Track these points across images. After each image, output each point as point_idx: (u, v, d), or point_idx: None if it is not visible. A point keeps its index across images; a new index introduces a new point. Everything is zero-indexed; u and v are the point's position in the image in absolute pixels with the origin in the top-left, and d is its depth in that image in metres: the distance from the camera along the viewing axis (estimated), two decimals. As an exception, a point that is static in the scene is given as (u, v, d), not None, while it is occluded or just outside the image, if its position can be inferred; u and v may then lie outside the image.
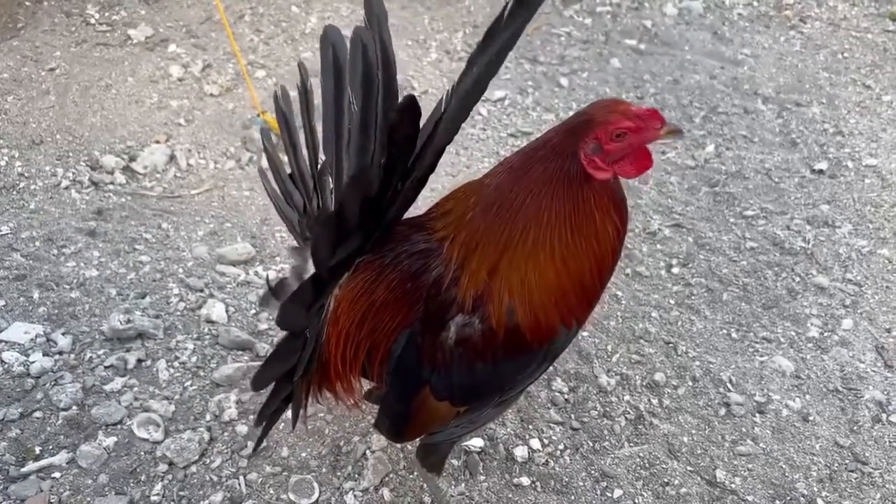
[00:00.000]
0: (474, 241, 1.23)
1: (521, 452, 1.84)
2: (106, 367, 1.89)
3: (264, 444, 1.77)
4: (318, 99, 1.38)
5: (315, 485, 1.71)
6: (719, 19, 4.23)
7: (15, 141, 2.67)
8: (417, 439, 1.52)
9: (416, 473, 1.76)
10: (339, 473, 1.74)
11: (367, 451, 1.79)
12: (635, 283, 2.46)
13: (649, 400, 2.05)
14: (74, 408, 1.79)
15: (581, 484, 1.80)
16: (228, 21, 3.26)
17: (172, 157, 2.73)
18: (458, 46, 3.66)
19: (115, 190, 2.57)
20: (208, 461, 1.72)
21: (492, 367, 1.26)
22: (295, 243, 1.45)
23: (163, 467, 1.69)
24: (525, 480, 1.79)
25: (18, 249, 2.23)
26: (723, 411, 2.04)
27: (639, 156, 1.24)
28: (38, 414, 1.77)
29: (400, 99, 1.07)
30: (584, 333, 2.22)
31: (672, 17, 4.19)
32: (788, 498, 1.84)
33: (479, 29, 3.80)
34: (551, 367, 2.03)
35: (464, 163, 2.90)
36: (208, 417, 1.82)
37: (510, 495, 1.76)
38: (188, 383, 1.89)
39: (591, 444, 1.90)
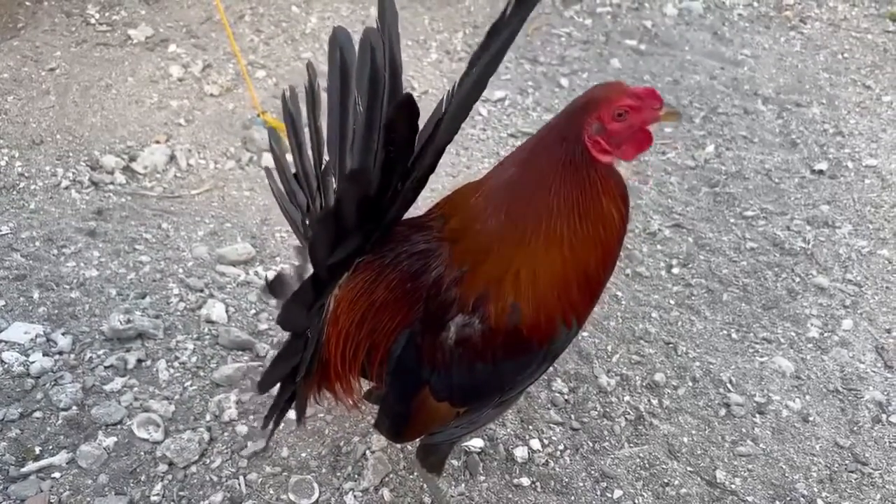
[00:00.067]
0: (488, 242, 1.24)
1: (521, 453, 1.84)
2: (106, 368, 1.89)
3: (264, 443, 1.77)
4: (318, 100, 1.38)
5: (315, 485, 1.71)
6: (719, 20, 4.23)
7: (15, 141, 2.67)
8: (417, 440, 1.52)
9: (416, 474, 1.76)
10: (339, 474, 1.74)
11: (367, 452, 1.79)
12: (635, 283, 2.46)
13: (649, 400, 2.05)
14: (74, 408, 1.79)
15: (581, 484, 1.80)
16: (229, 21, 3.27)
17: (172, 158, 2.73)
18: (459, 47, 3.66)
19: (116, 190, 2.57)
20: (208, 461, 1.72)
21: (492, 368, 1.27)
22: (298, 243, 1.46)
23: (163, 467, 1.69)
24: (525, 481, 1.79)
25: (18, 249, 2.23)
26: (723, 412, 2.04)
27: (639, 137, 1.25)
28: (38, 414, 1.77)
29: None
30: (585, 334, 2.22)
31: (672, 18, 4.19)
32: (788, 498, 1.84)
33: (479, 29, 3.80)
34: (551, 368, 2.03)
35: (464, 163, 2.90)
36: (208, 417, 1.82)
37: (510, 496, 1.76)
38: (188, 383, 1.89)
39: (591, 444, 1.90)
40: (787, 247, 2.68)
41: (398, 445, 1.80)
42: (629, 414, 2.00)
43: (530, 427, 1.92)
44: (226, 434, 1.78)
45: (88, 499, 1.61)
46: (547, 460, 1.85)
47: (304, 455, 1.77)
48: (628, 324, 2.29)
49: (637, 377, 2.11)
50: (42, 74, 2.98)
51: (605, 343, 2.21)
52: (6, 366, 1.86)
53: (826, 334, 2.34)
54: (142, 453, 1.71)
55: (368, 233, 1.25)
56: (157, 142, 2.78)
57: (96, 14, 3.37)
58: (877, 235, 2.78)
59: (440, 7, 3.96)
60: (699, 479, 1.86)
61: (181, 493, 1.65)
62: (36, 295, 2.08)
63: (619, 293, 2.40)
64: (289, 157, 1.49)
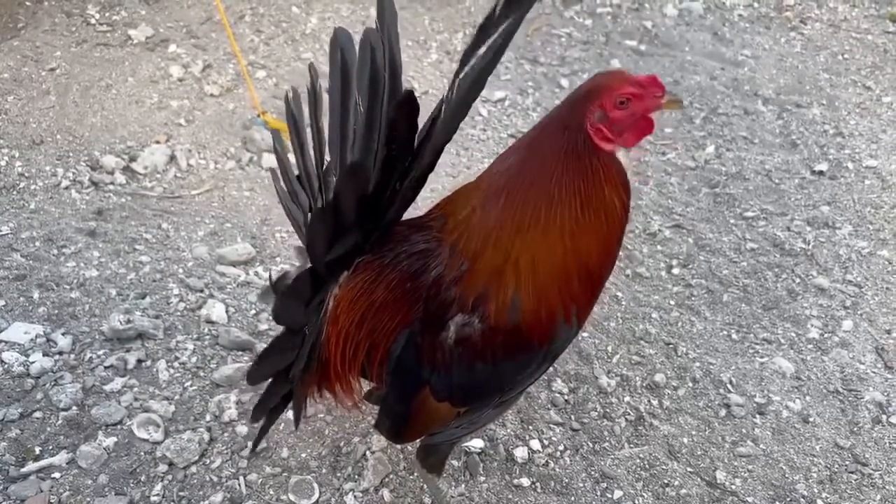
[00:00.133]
0: (487, 231, 1.23)
1: (521, 453, 1.84)
2: (106, 368, 1.89)
3: (265, 444, 1.77)
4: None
5: (315, 485, 1.71)
6: (720, 20, 4.23)
7: (15, 141, 2.67)
8: (418, 440, 1.52)
9: (416, 474, 1.76)
10: (339, 474, 1.74)
11: (367, 452, 1.79)
12: (635, 284, 2.46)
13: (649, 401, 2.05)
14: (74, 408, 1.79)
15: (581, 485, 1.80)
16: (229, 21, 3.27)
17: (173, 158, 2.73)
18: (459, 47, 3.66)
19: (116, 190, 2.57)
20: (208, 461, 1.72)
21: (492, 367, 1.26)
22: (299, 243, 1.46)
23: (163, 468, 1.69)
24: (525, 481, 1.79)
25: (18, 249, 2.23)
26: (723, 412, 2.04)
27: (641, 125, 1.25)
28: (37, 414, 1.77)
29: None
30: (585, 334, 2.22)
31: (672, 18, 4.19)
32: (788, 499, 1.83)
33: (479, 30, 3.79)
34: (551, 368, 2.03)
35: (464, 163, 2.91)
36: (208, 418, 1.81)
37: (510, 496, 1.76)
38: (188, 384, 1.89)
39: (591, 444, 1.90)
40: (787, 247, 2.68)
41: (398, 446, 1.80)
42: (629, 414, 2.00)
43: (530, 427, 1.92)
44: (226, 434, 1.78)
45: (88, 499, 1.61)
46: (547, 461, 1.85)
47: (304, 455, 1.77)
48: (628, 324, 2.29)
49: (637, 378, 2.11)
50: (42, 74, 2.98)
51: (605, 343, 2.21)
52: (6, 366, 1.86)
53: (826, 335, 2.34)
54: (142, 453, 1.71)
55: (368, 232, 1.25)
56: (158, 142, 2.78)
57: (96, 14, 3.37)
58: (877, 236, 2.78)
59: (440, 7, 3.96)
60: (699, 479, 1.85)
61: (181, 494, 1.65)
62: (36, 295, 2.08)
63: (620, 294, 2.40)
64: (291, 158, 1.49)
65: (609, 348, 2.19)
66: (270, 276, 1.22)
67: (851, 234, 2.77)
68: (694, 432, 1.98)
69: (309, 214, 1.42)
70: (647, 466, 1.87)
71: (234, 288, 2.22)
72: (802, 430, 2.02)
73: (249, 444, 1.76)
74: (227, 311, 2.11)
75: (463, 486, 1.76)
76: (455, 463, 1.81)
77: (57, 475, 1.65)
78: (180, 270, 2.25)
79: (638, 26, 4.08)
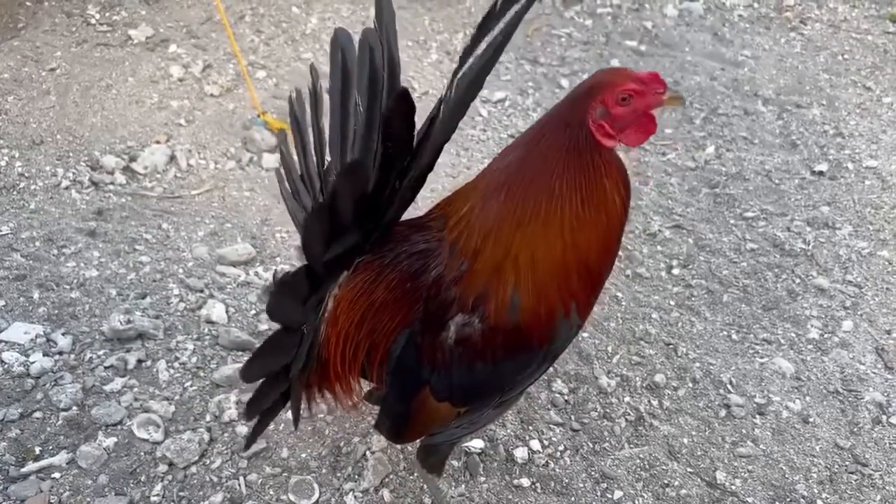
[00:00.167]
0: (487, 227, 1.23)
1: (521, 454, 1.84)
2: (106, 368, 1.89)
3: (264, 444, 1.77)
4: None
5: (315, 486, 1.71)
6: (720, 21, 4.23)
7: (15, 141, 2.67)
8: (418, 440, 1.52)
9: (416, 474, 1.76)
10: (339, 474, 1.74)
11: (368, 452, 1.79)
12: (635, 284, 2.46)
13: (649, 401, 2.05)
14: (74, 408, 1.79)
15: (581, 485, 1.80)
16: (229, 21, 3.27)
17: (173, 158, 2.73)
18: (459, 47, 3.66)
19: (116, 190, 2.57)
20: (208, 462, 1.72)
21: (492, 367, 1.26)
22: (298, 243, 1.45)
23: (163, 468, 1.69)
24: (525, 482, 1.79)
25: (18, 249, 2.23)
26: (723, 413, 2.04)
27: (643, 122, 1.24)
28: (37, 414, 1.77)
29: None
30: (585, 335, 2.22)
31: (672, 19, 4.19)
32: (788, 499, 1.83)
33: (479, 30, 3.80)
34: (551, 369, 2.03)
35: (464, 164, 2.91)
36: (208, 418, 1.81)
37: (510, 496, 1.76)
38: (188, 384, 1.89)
39: (591, 445, 1.90)
40: (787, 248, 2.68)
41: (398, 446, 1.80)
42: (629, 415, 2.00)
43: (530, 428, 1.92)
44: (226, 435, 1.78)
45: (88, 499, 1.61)
46: (547, 461, 1.85)
47: (304, 456, 1.77)
48: (628, 325, 2.29)
49: (637, 378, 2.11)
50: (42, 74, 2.98)
51: (605, 344, 2.21)
52: (6, 366, 1.86)
53: (826, 335, 2.34)
54: (142, 454, 1.71)
55: (367, 232, 1.25)
56: (158, 142, 2.78)
57: (97, 14, 3.37)
58: (877, 237, 2.78)
59: (440, 8, 3.96)
60: (699, 480, 1.85)
61: (181, 494, 1.65)
62: (36, 295, 2.08)
63: (620, 294, 2.40)
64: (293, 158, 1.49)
65: (609, 348, 2.19)
66: (274, 273, 1.21)
67: (851, 235, 2.77)
68: (694, 433, 1.98)
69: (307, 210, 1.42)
70: (647, 467, 1.87)
71: (234, 288, 2.22)
72: (802, 431, 2.02)
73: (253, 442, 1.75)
74: (227, 312, 2.11)
75: (463, 486, 1.76)
76: (455, 463, 1.81)
77: (57, 475, 1.65)
78: (180, 270, 2.25)
79: (638, 26, 4.08)
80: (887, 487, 1.89)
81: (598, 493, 1.79)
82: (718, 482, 1.85)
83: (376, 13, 1.24)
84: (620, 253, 2.54)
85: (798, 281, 2.54)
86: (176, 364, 1.94)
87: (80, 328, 1.99)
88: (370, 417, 1.84)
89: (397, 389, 1.35)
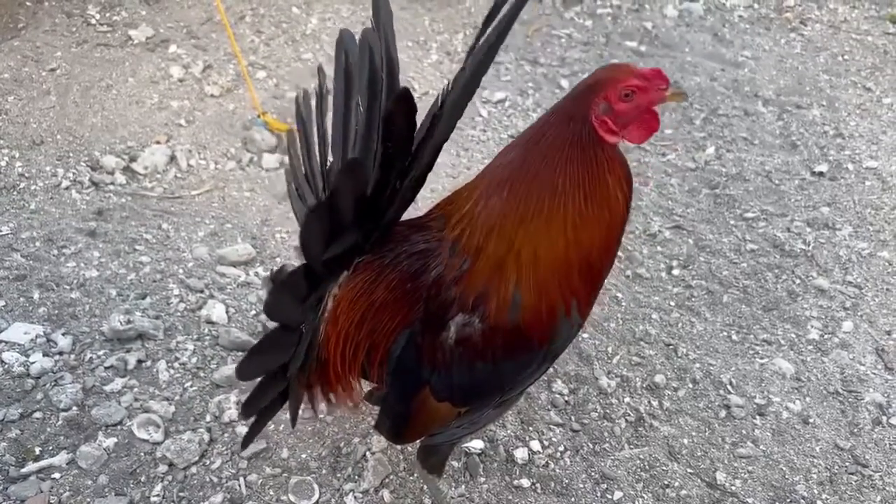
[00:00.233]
0: (490, 223, 1.22)
1: (521, 454, 1.84)
2: (106, 368, 1.89)
3: (264, 444, 1.77)
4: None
5: (315, 486, 1.71)
6: (720, 21, 4.23)
7: (15, 141, 2.67)
8: (418, 441, 1.52)
9: (416, 475, 1.76)
10: (339, 475, 1.74)
11: (368, 453, 1.79)
12: (636, 284, 2.46)
13: (649, 402, 2.05)
14: (74, 408, 1.79)
15: (581, 486, 1.80)
16: (229, 22, 3.27)
17: (173, 158, 2.73)
18: (459, 48, 3.66)
19: (116, 190, 2.57)
20: (208, 462, 1.72)
21: (492, 367, 1.26)
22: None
23: (163, 468, 1.69)
24: (525, 482, 1.79)
25: (19, 250, 2.23)
26: (723, 413, 2.04)
27: (646, 119, 1.24)
28: (37, 414, 1.77)
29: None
30: (585, 335, 2.22)
31: (672, 19, 4.19)
32: (788, 500, 1.83)
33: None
34: (551, 369, 2.04)
35: (464, 164, 2.90)
36: (208, 418, 1.81)
37: (510, 497, 1.76)
38: (188, 384, 1.89)
39: (591, 445, 1.90)
40: (787, 248, 2.68)
41: (398, 447, 1.80)
42: (629, 415, 2.00)
43: (530, 428, 1.92)
44: (226, 435, 1.78)
45: (88, 499, 1.61)
46: (547, 462, 1.85)
47: (304, 456, 1.77)
48: (628, 325, 2.29)
49: (637, 379, 2.11)
50: (43, 75, 2.98)
51: (605, 344, 2.21)
52: (6, 366, 1.86)
53: (826, 336, 2.34)
54: (142, 454, 1.71)
55: (367, 231, 1.25)
56: (158, 142, 2.78)
57: (97, 14, 3.37)
58: (877, 237, 2.78)
59: (441, 8, 3.96)
60: (699, 480, 1.85)
61: (181, 494, 1.65)
62: (36, 295, 2.07)
63: (620, 294, 2.40)
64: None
65: (609, 349, 2.19)
66: (272, 271, 1.21)
67: (851, 236, 2.77)
68: (694, 433, 1.98)
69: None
70: (647, 467, 1.87)
71: (234, 288, 2.22)
72: (802, 432, 2.02)
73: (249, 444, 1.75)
74: (227, 312, 2.11)
75: (463, 486, 1.76)
76: (455, 464, 1.81)
77: (57, 475, 1.65)
78: (180, 271, 2.25)
79: (638, 27, 4.08)
80: (887, 488, 1.89)
81: (598, 494, 1.79)
82: (718, 483, 1.85)
83: (373, 13, 1.24)
84: (621, 254, 2.55)
85: (798, 282, 2.54)
86: (176, 364, 1.94)
87: (80, 328, 1.99)
88: (370, 418, 1.84)
89: (397, 389, 1.35)
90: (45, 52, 3.10)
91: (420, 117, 1.12)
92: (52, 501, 1.60)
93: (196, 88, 3.07)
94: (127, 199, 2.55)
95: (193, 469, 1.70)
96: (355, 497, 1.70)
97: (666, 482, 1.84)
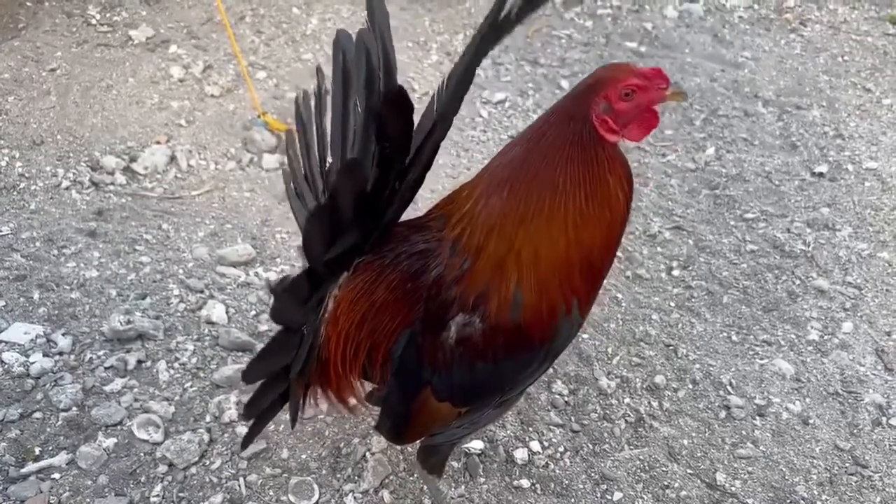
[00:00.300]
0: (490, 223, 1.23)
1: (521, 455, 1.84)
2: (106, 368, 1.89)
3: (264, 445, 1.77)
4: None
5: (315, 486, 1.71)
6: (720, 22, 4.23)
7: (16, 141, 2.67)
8: (418, 441, 1.52)
9: (416, 475, 1.76)
10: (338, 475, 1.74)
11: (367, 453, 1.79)
12: (635, 285, 2.46)
13: (649, 402, 2.05)
14: (74, 409, 1.79)
15: (581, 486, 1.80)
16: (229, 22, 3.27)
17: (173, 158, 2.73)
18: (459, 48, 3.66)
19: (116, 190, 2.57)
20: (208, 462, 1.72)
21: (493, 367, 1.26)
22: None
23: (162, 468, 1.69)
24: (525, 483, 1.79)
25: (19, 250, 2.23)
26: (723, 414, 2.04)
27: (646, 118, 1.25)
28: (37, 415, 1.76)
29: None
30: (585, 336, 2.22)
31: (672, 20, 4.19)
32: (788, 501, 1.83)
33: (479, 31, 3.80)
34: (551, 370, 2.04)
35: (464, 164, 2.91)
36: (208, 419, 1.81)
37: (510, 497, 1.76)
38: (188, 384, 1.89)
39: (591, 446, 1.90)
40: (787, 249, 2.68)
41: (398, 447, 1.80)
42: (629, 416, 2.00)
43: (530, 429, 1.92)
44: (226, 435, 1.78)
45: (88, 500, 1.61)
46: (547, 462, 1.85)
47: (304, 456, 1.77)
48: (628, 326, 2.29)
49: (637, 379, 2.11)
50: (43, 75, 2.98)
51: (605, 345, 2.21)
52: (6, 366, 1.86)
53: (826, 337, 2.34)
54: (142, 454, 1.71)
55: (367, 232, 1.25)
56: (158, 142, 2.78)
57: (97, 15, 3.37)
58: (877, 238, 2.78)
59: (441, 9, 3.97)
60: (699, 481, 1.85)
61: (181, 495, 1.65)
62: (36, 295, 2.07)
63: (620, 295, 2.40)
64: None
65: (609, 350, 2.19)
66: (271, 280, 1.21)
67: (851, 236, 2.77)
68: (694, 434, 1.98)
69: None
70: (647, 468, 1.87)
71: (234, 289, 2.22)
72: (802, 432, 2.02)
73: (249, 444, 1.75)
74: (227, 312, 2.11)
75: (463, 487, 1.76)
76: (455, 464, 1.80)
77: (57, 476, 1.65)
78: (180, 271, 2.25)
79: (638, 28, 4.08)
80: (887, 489, 1.89)
81: (598, 495, 1.79)
82: (718, 483, 1.85)
83: (368, 14, 1.25)
84: (621, 254, 2.55)
85: (798, 282, 2.54)
86: (176, 365, 1.94)
87: (80, 328, 1.99)
88: (370, 419, 1.84)
89: (398, 390, 1.35)
90: (45, 52, 3.10)
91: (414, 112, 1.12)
92: (51, 501, 1.60)
93: (196, 89, 3.07)
94: (127, 199, 2.55)
95: (193, 469, 1.70)
96: (355, 497, 1.70)
97: (666, 483, 1.84)
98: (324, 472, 1.74)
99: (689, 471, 1.88)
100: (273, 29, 3.51)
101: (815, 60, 3.96)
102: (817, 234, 2.77)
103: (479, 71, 3.58)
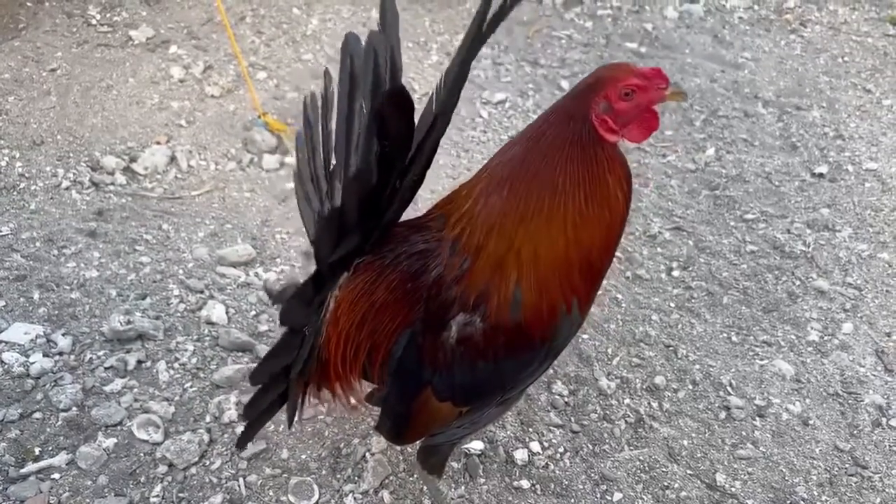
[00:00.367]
0: (490, 222, 1.23)
1: (521, 455, 1.84)
2: (106, 369, 1.89)
3: (263, 445, 1.77)
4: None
5: (315, 487, 1.71)
6: (720, 23, 4.24)
7: (16, 141, 2.68)
8: (418, 441, 1.52)
9: (416, 476, 1.76)
10: (338, 476, 1.74)
11: (367, 454, 1.79)
12: (635, 286, 2.46)
13: (649, 403, 2.05)
14: (74, 409, 1.78)
15: (581, 487, 1.80)
16: (230, 22, 3.27)
17: (173, 158, 2.73)
18: (459, 49, 3.66)
19: (116, 191, 2.57)
20: (208, 463, 1.72)
21: (493, 366, 1.26)
22: (301, 245, 1.46)
23: (162, 469, 1.69)
24: (525, 483, 1.79)
25: (19, 250, 2.23)
26: (723, 415, 2.04)
27: (646, 118, 1.25)
28: (37, 415, 1.76)
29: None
30: (585, 336, 2.22)
31: (673, 21, 4.20)
32: (788, 502, 1.83)
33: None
34: (551, 370, 2.04)
35: (464, 165, 2.91)
36: (208, 419, 1.81)
37: (510, 498, 1.76)
38: (188, 385, 1.89)
39: (591, 447, 1.90)
40: (787, 250, 2.68)
41: (398, 447, 1.80)
42: (629, 417, 2.00)
43: (530, 429, 1.92)
44: (226, 436, 1.78)
45: (88, 500, 1.61)
46: (547, 463, 1.85)
47: (303, 457, 1.77)
48: (628, 326, 2.29)
49: (637, 380, 2.11)
50: (43, 75, 2.98)
51: (605, 346, 2.21)
52: (6, 366, 1.86)
53: (826, 338, 2.34)
54: (141, 454, 1.71)
55: (368, 232, 1.25)
56: (158, 143, 2.78)
57: (97, 15, 3.37)
58: (877, 239, 2.78)
59: (441, 9, 3.97)
60: (699, 482, 1.85)
61: (181, 495, 1.65)
62: (36, 295, 2.07)
63: (620, 296, 2.40)
64: (291, 160, 1.49)
65: (609, 350, 2.19)
66: (266, 284, 1.22)
67: (851, 237, 2.77)
68: (694, 434, 1.98)
69: (317, 213, 1.43)
70: (646, 469, 1.87)
71: (234, 289, 2.22)
72: (802, 433, 2.02)
73: (250, 445, 1.75)
74: (227, 313, 2.11)
75: (463, 487, 1.76)
76: (455, 465, 1.80)
77: (56, 476, 1.65)
78: (180, 271, 2.25)
79: (638, 28, 4.08)
80: (887, 490, 1.89)
81: (598, 495, 1.79)
82: (718, 484, 1.85)
83: (380, 15, 1.25)
84: (621, 255, 2.55)
85: (798, 283, 2.54)
86: (176, 365, 1.94)
87: (80, 329, 1.99)
88: (370, 419, 1.84)
89: (398, 390, 1.35)
90: (45, 52, 3.10)
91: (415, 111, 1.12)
92: (51, 502, 1.60)
93: (196, 89, 3.07)
94: (127, 199, 2.55)
95: (193, 469, 1.70)
96: (355, 498, 1.70)
97: (666, 483, 1.84)
98: (324, 472, 1.74)
99: (688, 471, 1.88)
100: (273, 29, 3.51)
101: (816, 61, 3.96)
102: (817, 235, 2.77)
103: (479, 71, 3.59)
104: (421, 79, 3.40)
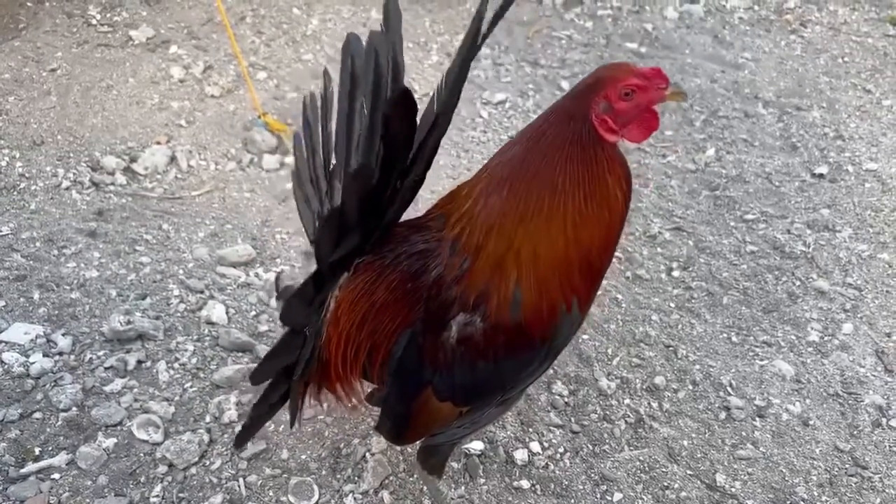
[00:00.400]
0: (489, 222, 1.23)
1: (521, 455, 1.84)
2: (106, 369, 1.89)
3: (263, 445, 1.77)
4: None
5: (315, 487, 1.71)
6: (720, 23, 4.24)
7: (16, 141, 2.68)
8: (418, 441, 1.52)
9: (416, 476, 1.76)
10: (338, 476, 1.74)
11: (367, 454, 1.79)
12: (635, 286, 2.46)
13: (649, 403, 2.05)
14: (74, 409, 1.78)
15: (581, 487, 1.80)
16: (230, 23, 3.27)
17: (173, 159, 2.73)
18: (460, 49, 3.66)
19: (116, 191, 2.57)
20: (208, 463, 1.72)
21: (494, 366, 1.26)
22: (301, 245, 1.46)
23: (162, 469, 1.69)
24: (525, 483, 1.79)
25: (19, 250, 2.23)
26: (723, 415, 2.04)
27: (645, 118, 1.25)
28: (37, 415, 1.76)
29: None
30: (585, 336, 2.22)
31: (673, 21, 4.20)
32: (788, 502, 1.83)
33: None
34: (551, 370, 2.04)
35: (465, 165, 2.91)
36: (208, 419, 1.81)
37: (510, 498, 1.76)
38: (188, 385, 1.89)
39: (591, 447, 1.90)
40: (787, 250, 2.68)
41: (398, 448, 1.80)
42: (629, 417, 2.00)
43: (530, 430, 1.92)
44: (226, 436, 1.78)
45: (88, 500, 1.61)
46: (547, 463, 1.85)
47: (303, 457, 1.77)
48: (628, 327, 2.29)
49: (637, 380, 2.11)
50: (43, 75, 2.98)
51: (605, 346, 2.21)
52: (6, 366, 1.86)
53: (826, 338, 2.34)
54: (141, 454, 1.71)
55: (368, 232, 1.26)
56: (158, 143, 2.78)
57: (98, 15, 3.37)
58: (877, 239, 2.78)
59: (441, 9, 3.97)
60: (699, 482, 1.85)
61: (181, 495, 1.65)
62: (36, 295, 2.07)
63: (620, 296, 2.40)
64: (291, 160, 1.49)
65: (609, 351, 2.19)
66: (275, 283, 1.23)
67: (851, 238, 2.77)
68: (694, 435, 1.98)
69: (317, 213, 1.43)
70: (646, 469, 1.87)
71: (234, 289, 2.22)
72: (802, 433, 2.02)
73: (249, 445, 1.75)
74: (227, 313, 2.11)
75: (463, 488, 1.76)
76: (455, 465, 1.80)
77: (56, 476, 1.64)
78: (181, 271, 2.25)
79: (638, 29, 4.08)
80: (887, 490, 1.89)
81: (598, 496, 1.79)
82: (718, 484, 1.85)
83: (384, 16, 1.25)
84: (620, 255, 2.55)
85: (798, 283, 2.54)
86: (176, 365, 1.94)
87: (80, 329, 1.99)
88: (370, 419, 1.84)
89: (399, 390, 1.35)
90: (45, 52, 3.10)
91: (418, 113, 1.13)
92: (51, 502, 1.60)
93: (196, 89, 3.07)
94: (127, 199, 2.55)
95: (193, 470, 1.70)
96: (355, 498, 1.70)
97: (666, 484, 1.84)
98: (324, 472, 1.74)
99: (688, 472, 1.88)
100: (273, 29, 3.51)
101: (816, 61, 3.96)
102: (817, 236, 2.77)
103: (479, 72, 3.58)
104: (421, 79, 3.40)
